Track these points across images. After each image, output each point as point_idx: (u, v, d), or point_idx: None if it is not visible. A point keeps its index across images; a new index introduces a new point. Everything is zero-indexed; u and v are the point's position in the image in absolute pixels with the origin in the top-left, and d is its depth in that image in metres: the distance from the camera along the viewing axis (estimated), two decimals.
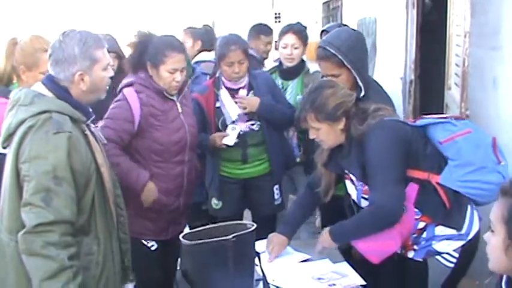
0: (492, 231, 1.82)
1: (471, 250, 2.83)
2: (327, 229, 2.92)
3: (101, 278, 2.51)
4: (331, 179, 3.10)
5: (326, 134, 2.90)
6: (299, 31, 4.47)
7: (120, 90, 3.46)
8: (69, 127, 2.38)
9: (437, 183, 2.76)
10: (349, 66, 3.22)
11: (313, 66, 4.44)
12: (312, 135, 2.95)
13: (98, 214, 2.50)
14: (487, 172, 2.72)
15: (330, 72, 3.27)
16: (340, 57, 3.22)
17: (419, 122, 2.94)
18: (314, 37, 7.09)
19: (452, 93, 4.31)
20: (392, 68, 5.75)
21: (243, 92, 3.94)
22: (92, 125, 2.63)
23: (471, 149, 2.75)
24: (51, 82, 2.48)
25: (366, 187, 2.83)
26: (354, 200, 3.02)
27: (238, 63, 3.84)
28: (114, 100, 3.44)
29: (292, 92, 4.36)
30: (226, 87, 3.94)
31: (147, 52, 3.38)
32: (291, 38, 4.41)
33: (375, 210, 2.72)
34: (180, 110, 3.48)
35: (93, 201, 2.48)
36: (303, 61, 4.50)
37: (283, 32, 4.47)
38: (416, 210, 2.77)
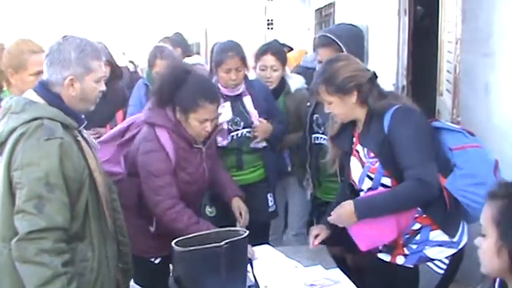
0: (483, 235, 1.83)
1: (460, 259, 2.87)
2: (349, 202, 2.86)
3: (95, 283, 2.49)
4: (336, 155, 3.09)
5: (338, 108, 2.88)
6: (278, 52, 4.27)
7: (149, 126, 3.20)
8: (61, 133, 2.36)
9: (443, 186, 2.78)
10: (345, 51, 3.24)
11: (295, 82, 4.34)
12: (326, 108, 2.94)
13: (92, 220, 2.48)
14: (485, 189, 2.73)
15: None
16: (340, 44, 3.23)
17: (434, 123, 2.95)
18: (306, 44, 7.12)
19: (444, 100, 4.33)
20: (384, 74, 5.75)
21: (247, 99, 3.92)
22: (84, 131, 2.61)
23: (478, 163, 2.78)
24: (43, 89, 2.47)
25: (376, 165, 2.81)
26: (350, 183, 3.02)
27: (236, 70, 3.80)
28: (148, 139, 3.16)
29: None
30: (222, 95, 3.91)
31: (180, 93, 3.11)
32: (269, 60, 4.19)
33: (417, 184, 2.69)
34: (204, 157, 3.29)
35: (86, 207, 2.46)
36: (283, 80, 4.29)
37: (261, 53, 4.25)
38: (418, 208, 2.79)
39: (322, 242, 3.18)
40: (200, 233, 2.30)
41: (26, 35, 3.43)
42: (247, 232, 2.24)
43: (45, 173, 2.28)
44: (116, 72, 4.83)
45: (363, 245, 2.88)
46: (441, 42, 4.52)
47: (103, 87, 2.57)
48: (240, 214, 3.42)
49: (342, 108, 2.87)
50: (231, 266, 2.13)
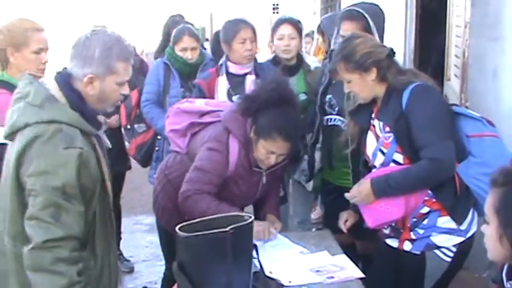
0: (487, 222, 1.84)
1: (467, 248, 2.84)
2: (367, 180, 2.84)
3: None
4: (354, 131, 3.05)
5: (358, 86, 2.83)
6: (295, 22, 4.28)
7: (225, 130, 3.11)
8: (80, 142, 2.24)
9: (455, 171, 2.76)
10: (373, 30, 3.21)
11: (311, 61, 4.38)
12: (346, 88, 2.90)
13: (97, 228, 2.41)
14: None
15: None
16: (367, 17, 3.24)
17: (454, 108, 2.91)
18: (312, 27, 7.07)
19: (452, 84, 4.29)
20: None
21: (250, 78, 3.91)
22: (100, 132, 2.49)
23: (494, 153, 2.74)
24: (65, 83, 2.33)
25: (389, 140, 2.78)
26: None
27: (250, 40, 3.84)
28: (218, 140, 3.09)
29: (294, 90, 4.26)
30: (231, 74, 3.91)
31: (263, 114, 2.98)
32: (287, 29, 4.18)
33: (432, 163, 2.66)
34: (261, 181, 3.21)
35: (94, 215, 2.38)
36: (300, 57, 4.29)
37: (279, 23, 4.25)
38: (428, 191, 2.77)
39: (329, 227, 3.17)
40: (205, 218, 2.26)
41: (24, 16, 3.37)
42: (253, 217, 2.22)
43: (62, 183, 2.18)
44: None
45: (370, 221, 2.87)
46: (449, 27, 4.47)
47: (126, 91, 2.43)
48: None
49: (361, 86, 2.83)
50: (236, 252, 2.10)
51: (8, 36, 3.13)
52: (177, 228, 2.09)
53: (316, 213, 5.78)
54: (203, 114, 3.30)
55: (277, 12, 10.79)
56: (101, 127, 2.43)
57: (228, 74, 3.93)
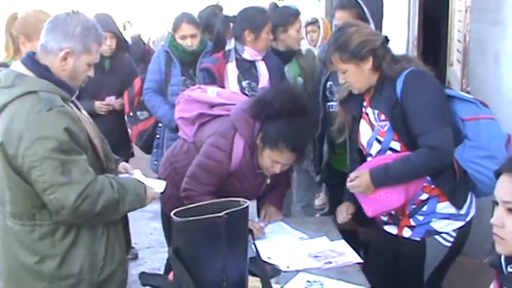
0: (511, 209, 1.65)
1: (467, 232, 2.84)
2: (365, 171, 2.81)
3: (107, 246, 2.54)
4: (345, 119, 3.05)
5: (354, 76, 2.80)
6: None
7: (232, 127, 3.08)
8: (60, 102, 2.33)
9: None
10: (368, 16, 3.19)
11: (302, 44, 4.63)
12: (341, 79, 2.86)
13: None
14: (496, 163, 2.67)
15: None
16: (361, 3, 3.27)
17: (447, 91, 2.88)
18: (318, 14, 7.03)
19: (454, 70, 4.26)
20: (395, 44, 5.67)
21: (261, 64, 3.97)
22: (76, 101, 2.58)
23: (490, 136, 2.72)
24: (31, 61, 2.41)
25: (385, 129, 2.77)
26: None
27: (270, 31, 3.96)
28: (223, 136, 3.07)
29: (289, 76, 4.33)
30: (241, 60, 3.94)
31: (272, 122, 2.91)
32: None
33: (431, 151, 2.65)
34: (265, 182, 3.21)
35: None
36: None
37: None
38: (427, 178, 2.75)
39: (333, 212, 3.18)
40: (201, 203, 2.27)
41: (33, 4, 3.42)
42: (248, 203, 2.21)
43: (58, 142, 2.26)
44: (122, 45, 4.80)
45: (370, 211, 2.86)
46: (452, 11, 4.44)
47: (91, 73, 2.53)
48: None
49: (357, 76, 2.80)
50: (231, 237, 2.09)
51: (22, 25, 3.18)
52: (172, 213, 2.10)
53: (320, 199, 5.79)
54: (213, 105, 3.29)
55: (283, 0, 10.72)
56: (74, 92, 2.51)
57: (237, 60, 3.94)
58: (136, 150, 4.95)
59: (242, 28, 3.93)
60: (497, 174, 1.71)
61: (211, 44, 4.44)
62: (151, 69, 4.51)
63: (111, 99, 4.61)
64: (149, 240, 5.40)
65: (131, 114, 4.66)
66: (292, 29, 4.35)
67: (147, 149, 4.65)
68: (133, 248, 5.08)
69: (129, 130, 4.82)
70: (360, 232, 3.62)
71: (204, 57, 4.32)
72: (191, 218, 2.07)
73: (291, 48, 4.39)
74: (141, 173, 2.77)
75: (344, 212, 3.09)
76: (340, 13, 3.34)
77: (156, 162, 4.40)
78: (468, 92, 3.61)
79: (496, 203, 1.71)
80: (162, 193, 2.73)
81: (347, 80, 2.84)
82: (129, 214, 2.75)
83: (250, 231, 2.32)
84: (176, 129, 4.06)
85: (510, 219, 1.66)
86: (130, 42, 7.28)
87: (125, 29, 9.10)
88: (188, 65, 4.38)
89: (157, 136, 4.51)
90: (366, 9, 3.27)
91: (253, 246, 2.39)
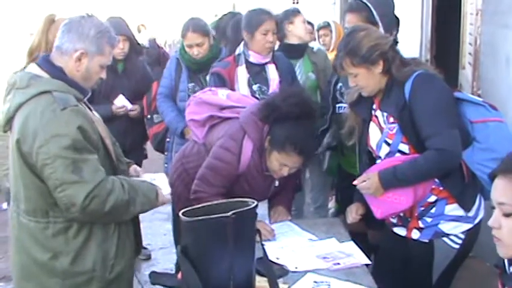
0: (507, 214, 1.67)
1: (475, 234, 2.84)
2: (374, 173, 2.83)
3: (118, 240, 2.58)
4: (355, 122, 3.05)
5: (365, 79, 2.81)
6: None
7: (241, 130, 3.11)
8: (74, 101, 2.39)
9: None
10: (377, 19, 3.19)
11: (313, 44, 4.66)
12: (351, 82, 2.88)
13: None
14: None
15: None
16: (371, 8, 3.24)
17: (456, 94, 2.88)
18: (332, 18, 7.05)
19: (466, 73, 4.27)
20: (408, 47, 5.68)
21: (271, 67, 3.95)
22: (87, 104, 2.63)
23: (499, 138, 2.72)
24: (45, 62, 2.48)
25: (394, 131, 2.78)
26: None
27: (272, 33, 3.86)
28: (232, 138, 3.10)
29: (301, 71, 4.37)
30: (251, 63, 3.93)
31: (280, 125, 2.96)
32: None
33: (438, 154, 2.66)
34: (273, 184, 3.23)
35: None
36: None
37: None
38: (436, 180, 2.76)
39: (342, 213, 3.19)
40: (209, 203, 2.30)
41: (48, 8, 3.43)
42: (256, 203, 2.24)
43: (72, 140, 2.32)
44: (135, 48, 4.84)
45: (378, 212, 2.87)
46: (464, 15, 4.44)
47: (104, 75, 2.59)
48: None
49: (368, 80, 2.81)
50: (238, 237, 2.13)
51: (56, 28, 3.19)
52: (180, 212, 2.13)
53: (333, 202, 5.79)
54: (223, 108, 3.32)
55: (297, 2, 10.76)
56: (87, 93, 2.57)
57: (247, 63, 3.96)
58: (151, 152, 5.02)
59: (242, 29, 3.95)
60: (493, 177, 1.72)
61: (226, 51, 4.43)
62: (164, 75, 4.53)
63: (119, 101, 4.62)
64: (163, 241, 5.44)
65: (149, 116, 4.73)
66: (296, 19, 4.44)
67: (162, 150, 4.72)
68: (146, 248, 5.14)
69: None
70: (369, 235, 3.63)
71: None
72: (199, 218, 2.11)
73: (302, 39, 4.45)
74: (149, 177, 2.81)
75: (354, 212, 3.10)
76: (349, 16, 3.36)
77: (166, 165, 4.46)
78: (479, 95, 3.62)
79: (493, 207, 1.72)
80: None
81: (358, 83, 2.85)
82: (143, 216, 2.79)
83: (258, 231, 2.34)
84: (181, 136, 4.22)
85: (506, 221, 1.67)
86: (147, 45, 7.36)
87: (139, 31, 9.17)
88: (197, 72, 4.36)
89: (168, 140, 4.57)
90: (375, 12, 3.28)
91: (261, 247, 2.42)
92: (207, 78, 4.18)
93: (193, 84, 4.35)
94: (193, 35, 4.24)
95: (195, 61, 4.32)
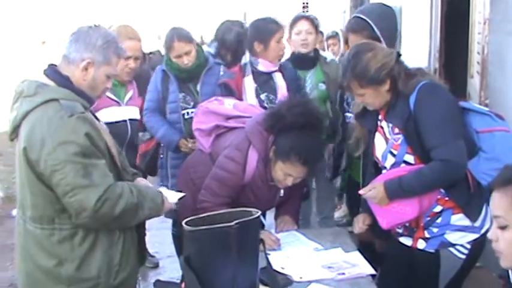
0: (503, 227, 1.70)
1: (482, 245, 2.82)
2: (379, 183, 2.83)
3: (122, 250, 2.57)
4: (361, 133, 3.05)
5: (372, 98, 2.81)
6: (311, 18, 4.49)
7: (246, 140, 3.13)
8: (81, 108, 2.41)
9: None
10: (378, 34, 3.19)
11: (326, 54, 4.61)
12: (358, 100, 2.89)
13: None
14: None
15: None
16: (372, 25, 3.24)
17: (461, 103, 2.87)
18: (342, 27, 7.06)
19: (474, 82, 4.25)
20: (416, 56, 5.68)
21: (278, 75, 3.98)
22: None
23: (505, 148, 2.71)
24: (52, 71, 2.51)
25: (399, 142, 2.77)
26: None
27: (282, 40, 3.94)
28: (238, 148, 3.12)
29: (312, 82, 4.35)
30: (258, 72, 3.95)
31: (284, 136, 2.98)
32: (304, 24, 4.40)
33: (443, 165, 2.65)
34: (278, 194, 3.24)
35: None
36: (316, 50, 4.49)
37: (295, 20, 4.47)
38: (441, 190, 2.75)
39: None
40: (213, 213, 2.31)
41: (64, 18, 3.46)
42: (260, 212, 2.24)
43: (80, 147, 2.33)
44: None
45: (384, 222, 2.87)
46: (472, 24, 4.43)
47: (110, 85, 2.62)
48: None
49: (376, 98, 2.81)
50: (241, 246, 2.13)
51: None
52: (183, 222, 2.14)
53: (342, 211, 5.79)
54: (229, 117, 3.34)
55: (307, 11, 10.78)
56: (93, 102, 2.60)
57: (253, 73, 3.97)
58: None
59: (251, 40, 3.95)
60: (490, 190, 1.72)
61: (213, 60, 4.34)
62: (149, 89, 4.35)
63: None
64: (171, 250, 5.40)
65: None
66: (299, 24, 4.40)
67: (150, 170, 4.55)
68: (154, 256, 5.14)
69: None
70: (376, 244, 3.62)
71: (206, 75, 4.20)
72: (202, 227, 2.12)
73: (311, 46, 4.40)
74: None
75: (361, 222, 3.10)
76: (352, 37, 3.37)
77: (161, 183, 4.27)
78: (486, 105, 3.60)
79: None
80: (176, 203, 2.77)
81: (364, 101, 2.86)
82: (151, 224, 2.80)
83: (262, 241, 2.34)
84: (177, 150, 4.10)
85: (502, 233, 1.70)
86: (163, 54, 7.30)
87: (159, 39, 9.15)
88: (187, 81, 4.22)
89: (161, 156, 4.39)
90: (376, 28, 3.26)
91: (265, 256, 2.42)
92: (198, 87, 4.16)
93: (183, 94, 4.19)
94: (180, 44, 4.11)
95: (184, 69, 4.16)
